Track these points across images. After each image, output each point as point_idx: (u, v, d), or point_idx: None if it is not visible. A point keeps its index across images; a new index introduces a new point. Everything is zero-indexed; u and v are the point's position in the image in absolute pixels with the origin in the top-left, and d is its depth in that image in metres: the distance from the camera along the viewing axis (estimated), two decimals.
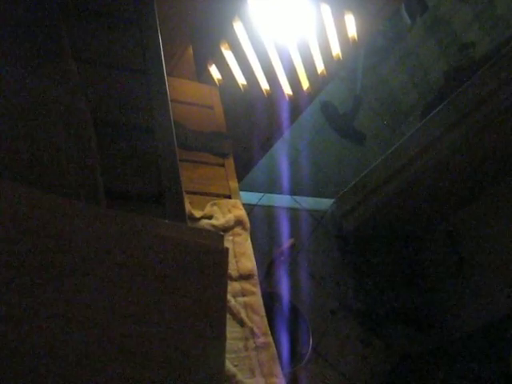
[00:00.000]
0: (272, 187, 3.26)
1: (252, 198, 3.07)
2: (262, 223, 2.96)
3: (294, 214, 3.23)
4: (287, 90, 1.77)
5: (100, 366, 0.60)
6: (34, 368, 0.57)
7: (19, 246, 0.61)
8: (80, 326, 0.61)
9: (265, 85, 1.74)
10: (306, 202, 3.35)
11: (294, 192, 3.35)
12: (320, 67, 1.71)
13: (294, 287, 2.89)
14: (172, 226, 0.70)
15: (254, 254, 1.60)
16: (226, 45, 1.64)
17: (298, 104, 1.92)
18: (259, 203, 3.08)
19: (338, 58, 1.68)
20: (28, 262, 0.61)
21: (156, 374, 0.62)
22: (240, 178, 2.26)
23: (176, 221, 0.77)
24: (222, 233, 1.56)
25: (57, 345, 0.59)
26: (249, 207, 2.94)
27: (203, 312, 0.67)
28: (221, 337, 0.67)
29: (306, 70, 1.70)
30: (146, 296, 0.65)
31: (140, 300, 0.64)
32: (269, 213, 3.09)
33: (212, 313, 0.67)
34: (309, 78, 1.74)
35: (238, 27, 1.56)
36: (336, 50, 1.66)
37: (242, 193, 1.79)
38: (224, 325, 0.68)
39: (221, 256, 0.70)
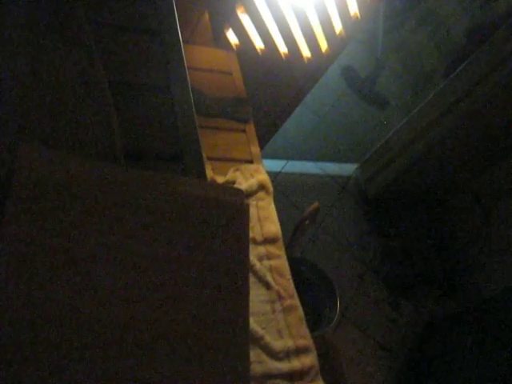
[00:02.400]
0: (295, 154, 3.26)
1: (275, 165, 3.07)
2: (286, 190, 2.97)
3: (317, 180, 3.23)
4: (305, 52, 1.75)
5: (123, 323, 0.61)
6: (57, 327, 0.58)
7: (41, 206, 0.61)
8: (103, 285, 0.61)
9: (283, 48, 1.72)
10: (330, 168, 3.34)
11: (317, 158, 3.34)
12: (338, 28, 1.68)
13: (321, 253, 2.90)
14: (192, 183, 0.70)
15: (279, 221, 1.60)
16: (242, 8, 1.62)
17: (317, 66, 1.90)
18: (283, 171, 3.07)
19: (356, 18, 1.66)
20: (50, 222, 0.61)
21: (179, 328, 0.63)
22: (262, 145, 2.25)
23: (196, 178, 0.77)
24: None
25: (79, 304, 0.60)
26: (272, 175, 2.94)
27: (225, 266, 0.67)
28: (244, 290, 0.67)
29: (324, 31, 1.68)
30: (167, 252, 0.65)
31: (161, 257, 0.65)
32: (293, 180, 3.09)
33: (234, 267, 0.68)
34: (327, 39, 1.71)
35: None
36: (354, 9, 1.64)
37: (265, 160, 1.79)
38: (246, 279, 0.68)
39: (241, 210, 0.71)
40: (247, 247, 0.70)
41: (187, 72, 0.87)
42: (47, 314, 0.58)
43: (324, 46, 1.74)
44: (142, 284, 0.63)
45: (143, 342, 0.61)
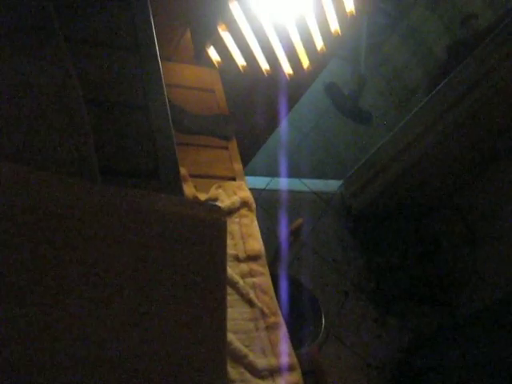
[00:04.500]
0: (280, 172, 3.26)
1: (260, 182, 3.07)
2: (270, 207, 2.96)
3: (302, 196, 3.23)
4: (287, 69, 1.76)
5: (99, 340, 0.60)
6: (33, 343, 0.57)
7: (15, 225, 0.60)
8: (79, 301, 0.60)
9: (265, 65, 1.73)
10: (315, 185, 3.35)
11: (301, 175, 3.34)
12: (319, 44, 1.69)
13: (306, 269, 2.89)
14: (169, 200, 0.69)
15: (264, 238, 1.59)
16: (224, 26, 1.62)
17: (299, 83, 1.90)
18: (267, 188, 3.07)
19: (337, 34, 1.67)
20: (25, 240, 0.60)
21: (155, 345, 0.62)
22: (246, 161, 2.25)
23: (173, 195, 0.76)
24: (227, 215, 1.56)
25: (55, 319, 0.58)
26: (257, 192, 2.94)
27: (202, 284, 0.66)
28: (221, 307, 0.66)
29: (306, 48, 1.69)
30: (145, 270, 0.65)
31: (138, 274, 0.64)
32: (277, 197, 3.09)
33: (211, 284, 0.67)
34: (308, 56, 1.72)
35: (234, 7, 1.55)
36: (335, 26, 1.64)
37: (249, 177, 1.78)
38: (224, 296, 0.67)
39: (218, 227, 0.70)
40: (224, 264, 0.69)
41: (165, 88, 0.86)
42: (17, 332, 0.57)
43: (306, 62, 1.75)
44: (117, 302, 0.62)
45: (118, 359, 0.60)
